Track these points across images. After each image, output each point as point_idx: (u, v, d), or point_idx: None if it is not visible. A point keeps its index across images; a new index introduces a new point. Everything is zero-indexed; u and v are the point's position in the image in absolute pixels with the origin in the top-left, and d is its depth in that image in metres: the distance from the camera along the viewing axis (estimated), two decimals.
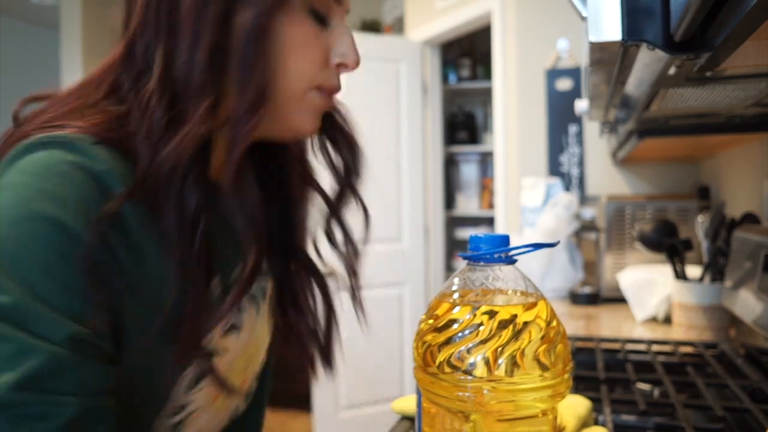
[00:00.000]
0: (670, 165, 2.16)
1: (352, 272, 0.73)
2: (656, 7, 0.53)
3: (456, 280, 0.52)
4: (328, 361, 0.73)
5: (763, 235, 0.96)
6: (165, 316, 0.49)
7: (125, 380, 0.48)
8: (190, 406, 0.57)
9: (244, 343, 0.63)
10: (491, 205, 3.41)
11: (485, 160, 3.56)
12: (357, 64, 0.63)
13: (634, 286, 1.48)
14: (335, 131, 0.72)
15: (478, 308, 0.48)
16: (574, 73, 2.27)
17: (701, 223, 1.32)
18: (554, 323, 0.48)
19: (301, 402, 3.45)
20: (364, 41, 2.91)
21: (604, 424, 0.72)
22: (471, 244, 0.51)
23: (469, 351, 0.46)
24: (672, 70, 0.61)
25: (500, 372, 0.45)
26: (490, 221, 3.55)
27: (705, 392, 0.82)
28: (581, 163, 2.27)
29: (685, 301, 1.25)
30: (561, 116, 2.29)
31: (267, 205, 0.61)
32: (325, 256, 0.75)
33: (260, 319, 0.68)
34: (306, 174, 0.71)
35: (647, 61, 0.62)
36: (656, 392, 0.89)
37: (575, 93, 2.26)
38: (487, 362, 0.45)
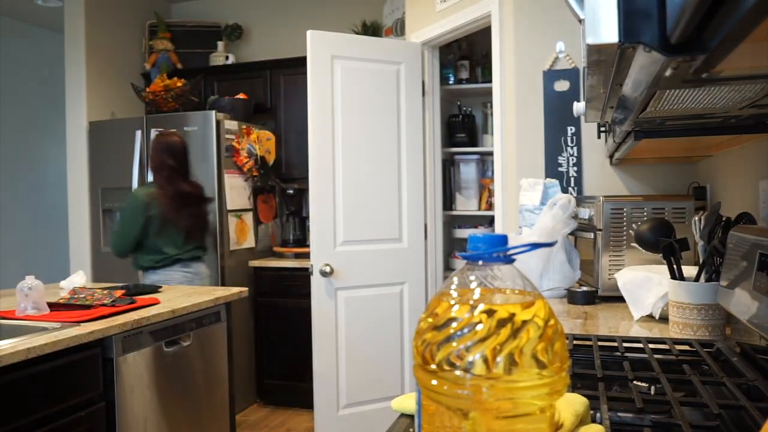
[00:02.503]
0: (666, 165, 2.17)
1: None
2: (653, 10, 0.53)
3: (455, 279, 0.52)
4: None
5: (758, 234, 0.96)
6: None
7: None
8: None
9: None
10: (490, 205, 3.42)
11: (484, 161, 3.57)
12: None
13: (631, 285, 1.49)
14: None
15: (477, 307, 0.48)
16: (571, 74, 2.28)
17: (697, 222, 1.33)
18: (552, 322, 0.49)
19: (303, 400, 3.46)
20: (364, 43, 2.92)
21: (601, 422, 0.73)
22: (470, 243, 0.52)
23: (467, 349, 0.46)
24: (668, 72, 0.61)
25: (498, 370, 0.46)
26: (489, 221, 3.56)
27: (701, 390, 0.82)
28: (579, 164, 2.28)
29: (682, 299, 1.26)
30: (559, 117, 2.30)
31: None
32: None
33: None
34: None
35: (644, 63, 0.63)
36: (653, 390, 0.89)
37: (573, 94, 2.27)
38: (485, 360, 0.46)
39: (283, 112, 3.99)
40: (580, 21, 0.58)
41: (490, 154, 3.41)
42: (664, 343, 1.11)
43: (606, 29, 0.54)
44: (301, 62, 3.33)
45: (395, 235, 2.99)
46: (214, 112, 3.47)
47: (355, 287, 2.87)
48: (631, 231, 1.70)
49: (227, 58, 4.22)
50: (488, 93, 3.07)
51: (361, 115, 2.88)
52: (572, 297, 1.74)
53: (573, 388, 0.84)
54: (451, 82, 3.42)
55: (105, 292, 2.07)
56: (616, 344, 1.10)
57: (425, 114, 3.09)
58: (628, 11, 0.53)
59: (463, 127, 3.49)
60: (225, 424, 2.36)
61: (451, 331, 0.48)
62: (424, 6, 3.04)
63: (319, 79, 2.79)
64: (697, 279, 1.27)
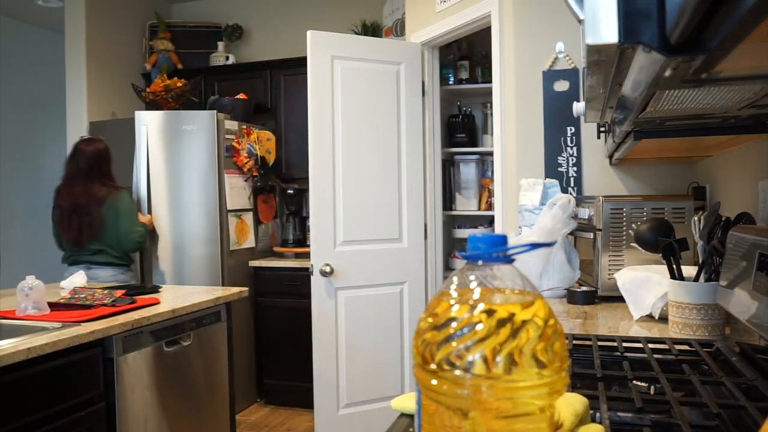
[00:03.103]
0: (666, 165, 2.17)
1: None
2: (652, 10, 0.53)
3: (455, 279, 0.52)
4: None
5: (757, 234, 0.96)
6: None
7: None
8: None
9: None
10: (490, 205, 3.42)
11: (484, 161, 3.57)
12: None
13: (631, 285, 1.49)
14: None
15: (477, 307, 0.48)
16: (571, 74, 2.28)
17: (697, 222, 1.33)
18: (552, 321, 0.49)
19: (303, 400, 3.46)
20: (364, 43, 2.93)
21: (600, 422, 0.73)
22: (470, 243, 0.52)
23: (467, 349, 0.46)
24: (668, 72, 0.61)
25: (498, 370, 0.46)
26: (489, 221, 3.56)
27: (701, 390, 0.83)
28: (578, 164, 2.28)
29: (681, 299, 1.26)
30: (558, 117, 2.30)
31: None
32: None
33: None
34: None
35: (643, 63, 0.63)
36: (652, 390, 0.89)
37: (572, 94, 2.27)
38: (485, 360, 0.46)
39: (283, 112, 3.99)
40: (580, 21, 0.58)
41: (490, 154, 3.41)
42: (663, 343, 1.11)
43: (606, 29, 0.54)
44: (301, 62, 3.33)
45: (395, 235, 2.99)
46: (214, 112, 3.48)
47: (355, 287, 2.87)
48: (630, 231, 1.71)
49: (227, 58, 4.22)
50: (488, 93, 3.07)
51: (361, 115, 2.88)
52: (572, 297, 1.74)
53: (573, 388, 0.84)
54: (451, 82, 3.42)
55: (105, 292, 2.07)
56: (615, 344, 1.10)
57: (425, 114, 3.09)
58: (628, 11, 0.53)
59: (463, 127, 3.49)
60: (225, 424, 2.36)
61: (451, 330, 0.48)
62: (424, 6, 3.04)
63: (319, 80, 2.79)
64: (696, 279, 1.27)
